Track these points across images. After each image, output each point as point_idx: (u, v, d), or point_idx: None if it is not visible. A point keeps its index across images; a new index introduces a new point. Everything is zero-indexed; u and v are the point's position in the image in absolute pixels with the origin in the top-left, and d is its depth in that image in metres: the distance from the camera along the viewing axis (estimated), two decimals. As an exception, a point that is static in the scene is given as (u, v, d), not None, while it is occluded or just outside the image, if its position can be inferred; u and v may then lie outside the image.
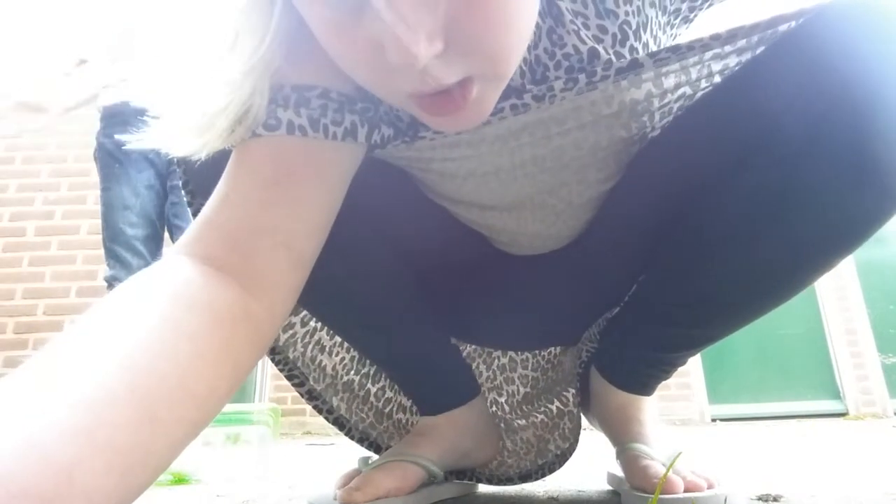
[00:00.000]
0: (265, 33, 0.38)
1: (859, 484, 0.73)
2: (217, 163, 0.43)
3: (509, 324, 0.74)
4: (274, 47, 0.39)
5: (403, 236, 0.63)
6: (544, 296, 0.70)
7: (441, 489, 0.69)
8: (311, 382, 0.73)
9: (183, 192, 0.56)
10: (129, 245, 1.76)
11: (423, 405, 0.72)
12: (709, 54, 0.48)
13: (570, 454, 0.74)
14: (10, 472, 0.22)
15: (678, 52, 0.44)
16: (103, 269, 2.79)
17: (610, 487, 0.75)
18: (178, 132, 0.40)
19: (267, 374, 3.29)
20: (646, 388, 0.69)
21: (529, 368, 0.78)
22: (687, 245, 0.56)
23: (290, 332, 0.71)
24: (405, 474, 0.63)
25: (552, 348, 0.78)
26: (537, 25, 0.47)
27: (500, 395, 0.78)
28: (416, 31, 0.31)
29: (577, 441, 0.75)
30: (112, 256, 1.77)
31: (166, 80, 0.41)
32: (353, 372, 0.75)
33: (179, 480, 1.02)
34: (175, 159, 0.52)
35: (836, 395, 3.44)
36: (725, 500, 0.54)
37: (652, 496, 0.51)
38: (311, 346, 0.72)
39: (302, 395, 0.73)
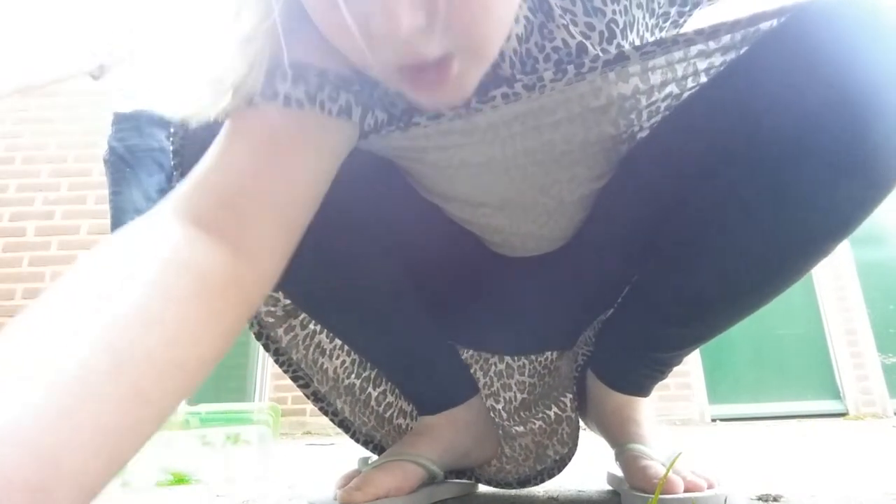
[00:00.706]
0: (269, 8, 0.38)
1: (859, 484, 0.73)
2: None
3: (505, 327, 0.74)
4: (277, 22, 0.39)
5: (399, 239, 0.63)
6: (539, 298, 0.70)
7: (441, 489, 0.69)
8: (316, 384, 0.73)
9: (175, 173, 0.55)
10: None
11: (422, 405, 0.72)
12: (694, 51, 0.48)
13: (569, 459, 0.74)
14: None
15: (663, 46, 0.45)
16: (103, 269, 2.78)
17: (610, 487, 0.75)
18: (175, 95, 0.40)
19: (267, 374, 3.29)
20: (642, 389, 0.69)
21: (526, 374, 0.78)
22: (678, 243, 0.56)
23: (292, 333, 0.70)
24: (405, 474, 0.63)
25: (548, 354, 0.78)
26: (528, 20, 0.48)
27: (498, 401, 0.77)
28: (399, 1, 0.33)
29: (575, 446, 0.75)
30: None
31: (167, 46, 0.42)
32: (353, 375, 0.74)
33: (179, 480, 1.02)
34: (172, 147, 0.53)
35: (836, 395, 3.44)
36: (725, 500, 0.54)
37: (652, 496, 0.51)
38: (311, 349, 0.72)
39: (307, 397, 0.73)
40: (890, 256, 3.69)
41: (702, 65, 0.51)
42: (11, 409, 0.23)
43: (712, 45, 0.48)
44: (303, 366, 0.71)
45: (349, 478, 0.65)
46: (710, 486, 0.56)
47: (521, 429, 0.76)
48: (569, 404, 0.76)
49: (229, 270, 0.35)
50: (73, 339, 0.26)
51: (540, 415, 0.76)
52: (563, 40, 0.48)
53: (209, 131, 0.44)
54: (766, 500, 0.62)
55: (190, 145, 0.52)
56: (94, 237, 2.84)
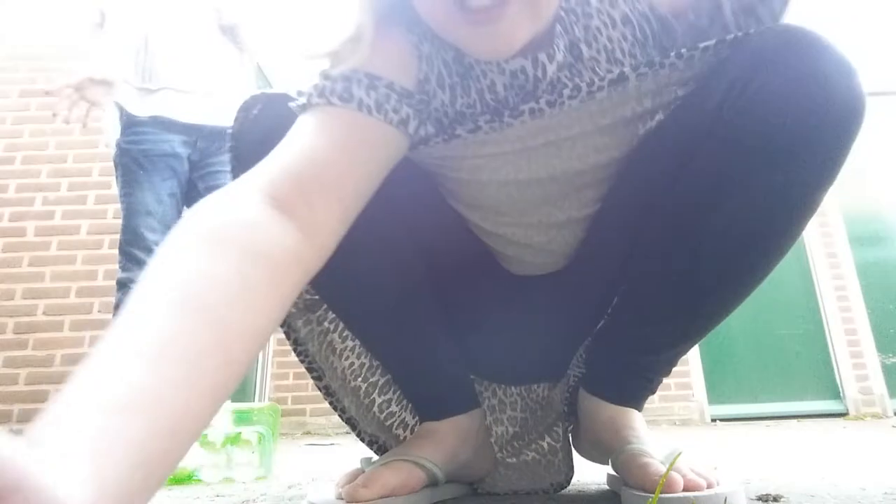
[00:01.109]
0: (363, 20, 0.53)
1: (859, 484, 0.73)
2: (265, 138, 0.51)
3: (503, 352, 0.75)
4: (367, 34, 0.53)
5: (424, 246, 0.67)
6: (538, 322, 0.72)
7: (441, 490, 0.69)
8: (328, 379, 0.74)
9: (230, 155, 0.61)
10: (148, 249, 1.77)
11: (426, 409, 0.72)
12: (674, 77, 0.57)
13: (567, 484, 0.75)
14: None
15: (652, 67, 0.55)
16: (103, 270, 2.78)
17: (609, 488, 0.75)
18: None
19: (267, 374, 3.29)
20: (634, 398, 0.70)
21: (518, 410, 0.79)
22: (666, 236, 0.61)
23: (309, 327, 0.72)
24: (409, 473, 0.63)
25: (540, 387, 0.79)
26: (564, 56, 0.58)
27: (490, 435, 0.78)
28: None
29: (571, 471, 0.76)
30: (129, 259, 1.78)
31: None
32: (360, 379, 0.75)
33: (179, 480, 1.02)
34: (231, 131, 0.61)
35: (836, 395, 3.44)
36: (725, 501, 0.54)
37: (652, 495, 0.51)
38: (324, 346, 0.73)
39: (320, 390, 0.74)
40: (890, 256, 3.69)
41: (681, 92, 0.59)
42: (142, 383, 0.27)
43: (688, 72, 0.57)
44: (317, 359, 0.73)
45: (353, 476, 0.65)
46: (709, 486, 0.56)
47: (513, 460, 0.77)
48: (561, 434, 0.77)
49: (295, 250, 0.41)
50: (180, 322, 0.31)
51: (533, 445, 0.77)
52: (590, 77, 0.58)
53: (265, 123, 0.53)
54: (766, 500, 0.62)
55: (247, 133, 0.60)
56: (94, 237, 2.84)
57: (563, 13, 0.58)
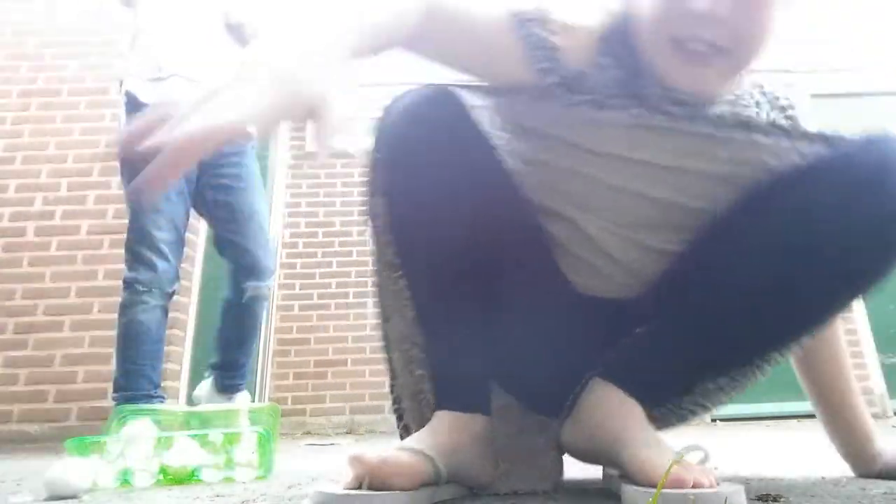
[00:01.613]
0: None
1: (860, 484, 0.73)
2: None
3: (546, 367, 0.76)
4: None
5: (499, 248, 0.73)
6: (591, 345, 0.73)
7: (442, 490, 0.69)
8: (391, 325, 0.77)
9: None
10: (154, 247, 1.75)
11: (443, 392, 0.74)
12: (765, 152, 0.62)
13: (560, 477, 0.76)
14: None
15: (752, 126, 0.62)
16: (103, 270, 2.78)
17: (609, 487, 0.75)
18: None
19: (267, 374, 3.29)
20: (649, 398, 0.70)
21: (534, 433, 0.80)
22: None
23: (389, 280, 0.76)
24: (415, 459, 0.64)
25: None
26: (721, 114, 0.66)
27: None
28: None
29: (561, 474, 0.77)
30: (136, 258, 1.76)
31: None
32: (409, 344, 0.78)
33: (179, 480, 1.02)
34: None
35: (836, 395, 3.43)
36: (726, 500, 0.54)
37: (653, 492, 0.51)
38: (394, 300, 0.77)
39: (379, 333, 0.79)
40: (890, 256, 3.68)
41: (773, 161, 0.63)
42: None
43: (773, 161, 0.62)
44: (386, 305, 0.78)
45: None
46: (710, 486, 0.56)
47: (507, 466, 0.77)
48: (552, 436, 0.77)
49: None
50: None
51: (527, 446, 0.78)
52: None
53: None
54: (766, 500, 0.62)
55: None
56: (94, 237, 2.84)
57: (747, 95, 0.71)
